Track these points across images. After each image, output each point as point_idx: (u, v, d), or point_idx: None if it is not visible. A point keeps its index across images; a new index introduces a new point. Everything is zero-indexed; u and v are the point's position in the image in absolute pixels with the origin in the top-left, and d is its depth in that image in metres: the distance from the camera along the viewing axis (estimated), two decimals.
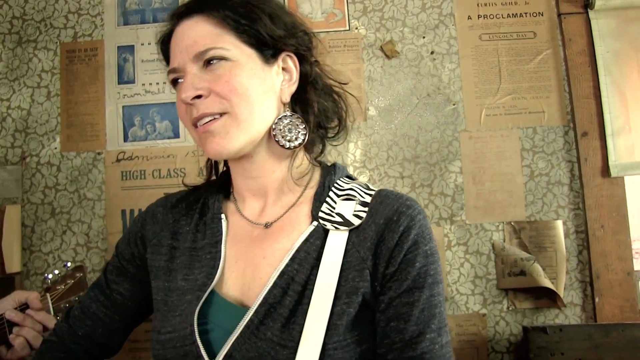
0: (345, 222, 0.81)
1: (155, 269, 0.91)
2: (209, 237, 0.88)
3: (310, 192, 0.87)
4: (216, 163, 0.98)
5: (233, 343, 0.75)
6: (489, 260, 1.74)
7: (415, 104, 1.79)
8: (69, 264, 1.37)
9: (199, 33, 0.80)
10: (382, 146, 1.78)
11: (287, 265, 0.79)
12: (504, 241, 1.74)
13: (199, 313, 0.80)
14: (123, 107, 1.80)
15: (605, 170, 1.71)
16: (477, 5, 1.80)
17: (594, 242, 1.68)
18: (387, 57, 1.80)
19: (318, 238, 0.81)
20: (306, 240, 0.81)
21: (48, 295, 1.31)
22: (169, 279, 0.88)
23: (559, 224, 1.73)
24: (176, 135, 1.78)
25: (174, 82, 0.84)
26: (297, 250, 0.80)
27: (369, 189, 0.87)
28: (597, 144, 1.72)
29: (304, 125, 0.85)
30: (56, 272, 1.36)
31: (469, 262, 1.73)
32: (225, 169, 0.96)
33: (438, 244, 1.67)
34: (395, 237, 0.78)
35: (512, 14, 1.79)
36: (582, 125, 1.74)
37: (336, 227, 0.80)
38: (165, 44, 0.88)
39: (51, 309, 1.29)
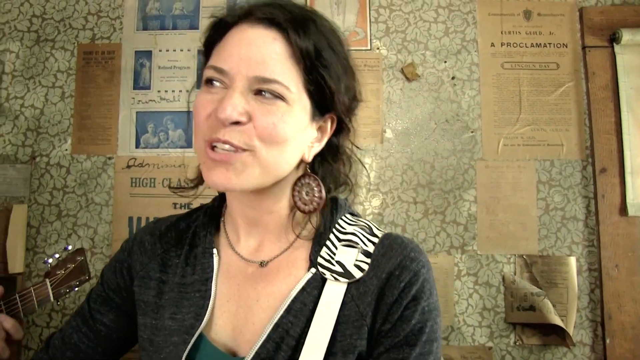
0: (346, 273, 0.77)
1: (143, 304, 0.87)
2: (199, 273, 0.83)
3: (310, 234, 0.83)
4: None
5: None
6: (499, 292, 1.73)
7: (433, 129, 1.79)
8: (69, 247, 1.35)
9: (271, 54, 0.71)
10: (397, 170, 1.77)
11: (281, 317, 0.75)
12: (515, 274, 1.73)
13: (186, 358, 0.76)
14: (137, 112, 1.80)
15: (623, 209, 1.70)
16: (501, 32, 1.80)
17: (607, 282, 1.67)
18: (408, 79, 1.80)
19: (315, 287, 0.77)
20: (303, 289, 0.77)
21: (47, 280, 1.28)
22: (156, 316, 0.84)
23: (572, 260, 1.72)
24: (189, 145, 1.78)
25: (208, 81, 0.74)
26: (293, 301, 0.76)
27: (372, 233, 0.82)
28: (615, 181, 1.71)
29: (319, 189, 0.80)
30: (56, 255, 1.33)
31: (477, 293, 1.72)
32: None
33: (447, 273, 1.67)
34: (395, 293, 0.74)
35: (536, 44, 1.79)
36: (601, 161, 1.73)
37: (335, 278, 0.76)
38: (217, 31, 0.77)
39: (50, 294, 1.27)
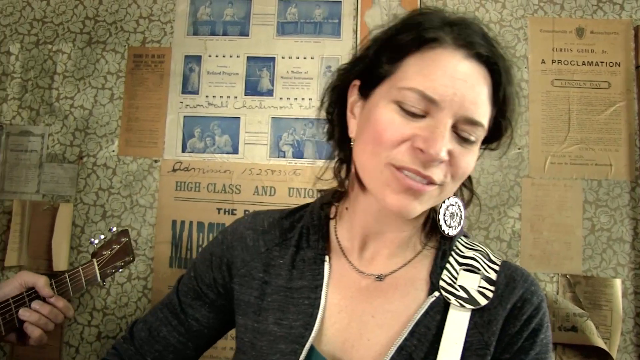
0: (470, 300, 0.76)
1: (243, 304, 0.86)
2: (308, 279, 0.82)
3: (429, 252, 0.83)
4: (349, 170, 0.85)
5: None
6: None
7: None
8: (114, 229, 1.38)
9: (480, 95, 0.70)
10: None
11: (405, 339, 0.75)
12: (557, 294, 1.73)
13: None
14: (184, 117, 1.83)
15: None
16: (552, 49, 1.80)
17: None
18: None
19: (438, 312, 0.76)
20: (426, 312, 0.76)
21: (95, 260, 1.32)
22: (258, 319, 0.83)
23: (617, 282, 1.71)
24: (235, 151, 1.80)
25: (403, 106, 0.70)
26: (417, 324, 0.76)
27: (490, 260, 0.82)
28: None
29: (462, 213, 0.82)
30: (102, 236, 1.37)
31: None
32: (331, 193, 0.88)
33: None
34: (517, 325, 0.76)
35: (588, 62, 1.79)
36: None
37: (461, 304, 0.76)
38: (416, 38, 0.72)
39: (98, 274, 1.30)
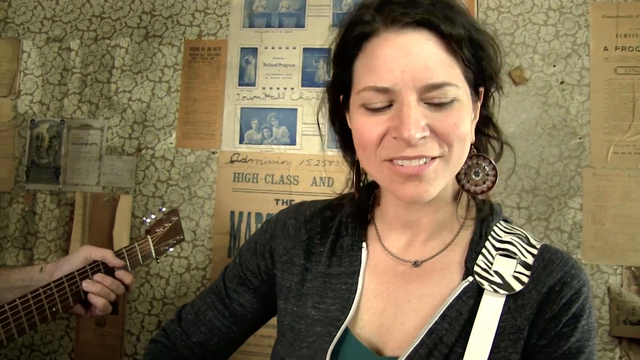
0: (505, 285, 0.76)
1: (285, 289, 0.89)
2: (346, 265, 0.85)
3: (465, 235, 0.83)
4: (360, 175, 0.90)
5: None
6: (603, 304, 1.72)
7: (539, 134, 1.78)
8: (164, 208, 1.43)
9: (431, 57, 0.70)
10: (501, 174, 1.76)
11: (436, 322, 0.75)
12: (622, 286, 1.71)
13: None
14: (241, 108, 1.86)
15: None
16: (616, 36, 1.77)
17: None
18: (515, 83, 1.79)
19: (471, 297, 0.77)
20: (459, 297, 0.77)
21: (149, 237, 1.36)
22: (298, 303, 0.86)
23: None
24: (292, 142, 1.83)
25: (367, 106, 0.73)
26: (449, 308, 0.76)
27: (529, 244, 0.82)
28: None
29: (492, 166, 0.80)
30: (153, 216, 1.41)
31: None
32: (366, 184, 0.91)
33: None
34: (554, 309, 0.74)
35: None
36: None
37: (494, 290, 0.76)
38: (353, 44, 0.75)
39: (152, 250, 1.35)
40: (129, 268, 1.31)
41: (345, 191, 0.93)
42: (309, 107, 1.85)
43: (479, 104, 0.79)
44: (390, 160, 0.73)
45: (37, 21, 2.01)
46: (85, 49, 1.97)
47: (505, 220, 0.87)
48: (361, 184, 0.90)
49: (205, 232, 1.86)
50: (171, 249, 1.44)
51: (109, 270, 1.26)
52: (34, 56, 2.00)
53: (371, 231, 0.88)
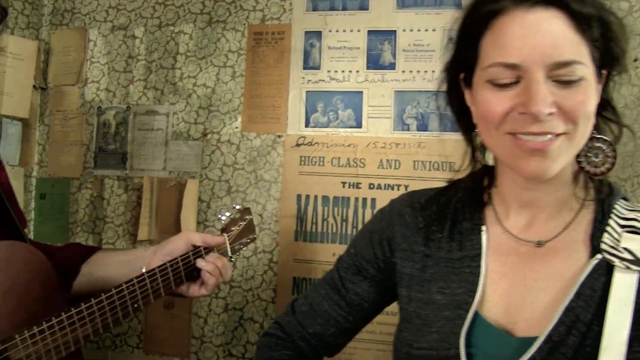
0: (637, 261, 0.76)
1: (406, 277, 0.92)
2: (468, 249, 0.87)
3: (587, 214, 0.84)
4: (476, 154, 0.91)
5: None
6: None
7: None
8: (237, 206, 1.44)
9: (560, 35, 0.72)
10: (638, 157, 1.74)
11: (572, 300, 0.76)
12: None
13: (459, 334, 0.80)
14: (306, 92, 1.89)
15: None
16: None
17: None
18: None
19: (602, 274, 0.77)
20: (590, 275, 0.78)
21: (225, 235, 1.37)
22: (422, 289, 0.88)
23: None
24: (358, 125, 1.85)
25: (494, 82, 0.76)
26: (582, 286, 0.77)
27: None
28: None
29: (611, 148, 0.80)
30: (227, 214, 1.41)
31: None
32: (482, 166, 0.92)
33: None
34: None
35: None
36: None
37: (627, 266, 0.76)
38: (481, 21, 0.78)
39: (228, 249, 1.35)
40: (229, 252, 1.35)
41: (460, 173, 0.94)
42: (375, 90, 1.86)
43: (601, 86, 0.80)
44: (514, 135, 0.75)
45: (102, 10, 2.06)
46: (150, 36, 2.02)
47: (625, 199, 0.88)
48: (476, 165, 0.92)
49: (272, 215, 1.89)
50: (244, 247, 1.45)
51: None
52: (99, 45, 2.06)
53: (489, 213, 0.89)
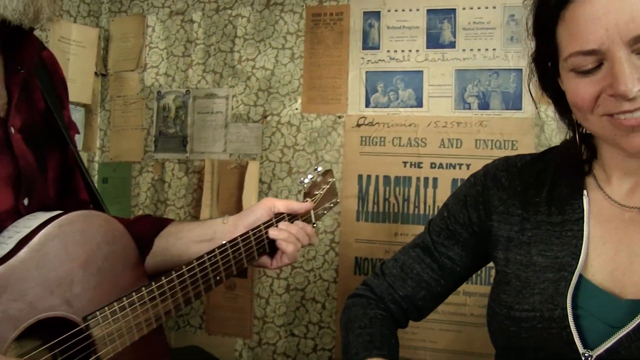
0: None
1: (503, 239, 0.93)
2: (569, 213, 0.88)
3: None
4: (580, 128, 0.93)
5: (621, 339, 0.75)
6: None
7: None
8: (319, 168, 1.38)
9: (634, 8, 0.71)
10: None
11: None
12: None
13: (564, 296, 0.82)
14: (366, 72, 1.92)
15: None
16: None
17: None
18: None
19: None
20: None
21: (309, 200, 1.31)
22: (520, 252, 0.90)
23: None
24: (419, 104, 1.87)
25: (577, 70, 0.77)
26: None
27: None
28: None
29: None
30: (310, 176, 1.35)
31: None
32: (580, 135, 0.94)
33: None
34: None
35: None
36: None
37: None
38: (550, 11, 0.79)
39: (312, 215, 1.30)
40: (313, 219, 1.31)
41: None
42: (435, 69, 1.88)
43: None
44: (610, 115, 0.76)
45: None
46: (208, 20, 2.07)
47: None
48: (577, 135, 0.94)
49: None
50: (326, 212, 1.40)
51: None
52: (158, 30, 2.12)
53: (589, 180, 0.90)
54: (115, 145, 2.14)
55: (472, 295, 1.82)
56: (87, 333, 0.82)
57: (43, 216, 0.84)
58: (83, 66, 2.06)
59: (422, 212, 1.87)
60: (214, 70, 2.06)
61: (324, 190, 1.35)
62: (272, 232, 1.18)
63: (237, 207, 1.98)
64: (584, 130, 0.93)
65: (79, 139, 2.08)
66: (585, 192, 0.88)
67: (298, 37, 2.00)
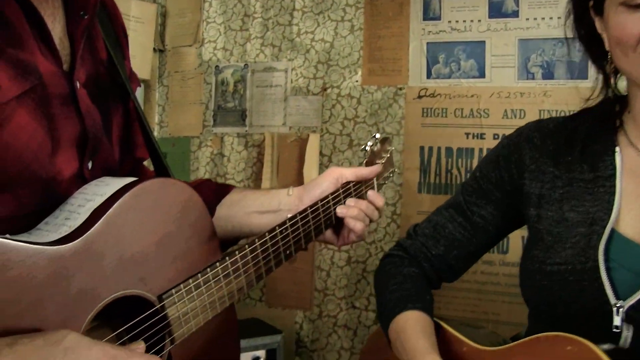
0: None
1: (535, 197, 0.97)
2: (601, 170, 0.90)
3: None
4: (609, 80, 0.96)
5: None
6: None
7: None
8: (377, 135, 1.33)
9: None
10: None
11: None
12: None
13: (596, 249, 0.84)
14: (427, 43, 1.95)
15: None
16: None
17: None
18: None
19: None
20: None
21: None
22: (552, 208, 0.93)
23: None
24: (481, 75, 1.91)
25: (628, 3, 0.80)
26: None
27: None
28: None
29: None
30: (370, 143, 1.29)
31: None
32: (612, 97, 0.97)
33: None
34: None
35: None
36: None
37: None
38: None
39: (375, 185, 1.25)
40: (376, 189, 1.27)
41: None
42: (497, 39, 1.91)
43: None
44: None
45: None
46: None
47: None
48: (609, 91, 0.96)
49: (395, 167, 1.96)
50: (385, 182, 1.36)
51: (360, 196, 1.22)
52: (215, 5, 2.18)
53: (621, 137, 0.93)
54: (173, 120, 2.21)
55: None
56: (163, 313, 0.78)
57: (114, 183, 0.78)
58: (142, 42, 2.13)
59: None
60: (272, 44, 2.11)
61: (384, 160, 1.31)
62: (340, 210, 1.12)
63: (298, 180, 2.03)
64: (617, 80, 0.95)
65: None
66: (617, 148, 0.91)
67: (357, 9, 2.04)
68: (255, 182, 2.09)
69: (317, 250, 2.04)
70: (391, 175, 1.35)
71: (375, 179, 1.24)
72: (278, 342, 1.92)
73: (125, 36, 1.01)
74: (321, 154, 2.04)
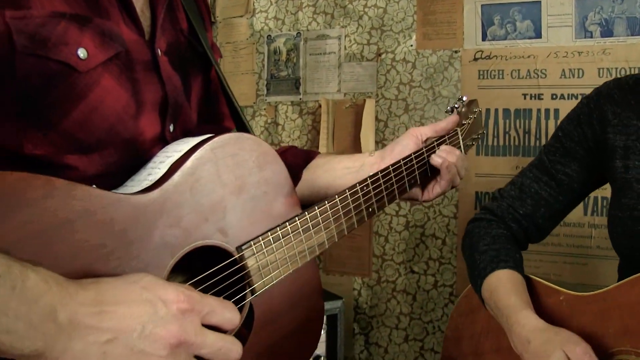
0: None
1: (620, 149, 1.06)
2: None
3: None
4: None
5: None
6: None
7: None
8: (464, 98, 1.34)
9: None
10: None
11: None
12: None
13: None
14: (482, 5, 2.04)
15: None
16: None
17: None
18: None
19: None
20: None
21: (458, 130, 1.29)
22: (639, 158, 1.03)
23: None
24: (537, 35, 1.99)
25: None
26: None
27: None
28: None
29: None
30: (456, 105, 1.32)
31: None
32: None
33: None
34: None
35: None
36: None
37: None
38: None
39: (462, 145, 1.27)
40: (462, 150, 1.27)
41: None
42: None
43: None
44: None
45: None
46: None
47: None
48: None
49: None
50: (473, 143, 1.36)
51: None
52: None
53: None
54: None
55: (597, 228, 1.94)
56: (242, 264, 0.82)
57: (193, 140, 0.84)
58: None
59: (544, 144, 1.99)
60: (324, 12, 2.21)
61: (471, 120, 1.33)
62: (436, 160, 1.16)
63: (354, 146, 2.14)
64: None
65: None
66: None
67: None
68: (311, 149, 2.19)
69: (375, 215, 2.13)
70: (479, 137, 1.37)
71: (461, 139, 1.28)
72: (339, 308, 2.02)
73: (207, 8, 1.08)
74: (377, 119, 2.14)
